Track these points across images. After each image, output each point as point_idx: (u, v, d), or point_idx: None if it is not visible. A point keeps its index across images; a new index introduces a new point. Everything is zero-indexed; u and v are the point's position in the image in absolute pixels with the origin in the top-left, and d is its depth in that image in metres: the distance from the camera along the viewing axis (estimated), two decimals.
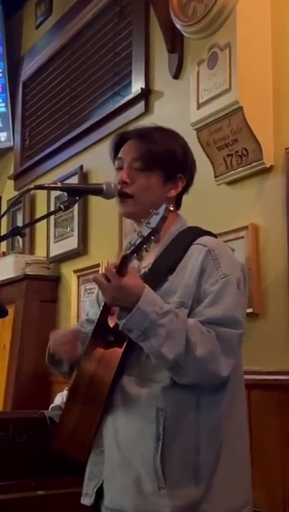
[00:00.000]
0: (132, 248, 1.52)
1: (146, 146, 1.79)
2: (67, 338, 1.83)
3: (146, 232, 1.50)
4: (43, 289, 4.14)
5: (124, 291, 1.55)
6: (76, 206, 3.82)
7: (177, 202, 1.87)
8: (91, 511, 1.77)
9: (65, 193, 1.85)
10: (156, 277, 1.72)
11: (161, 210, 1.50)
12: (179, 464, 1.62)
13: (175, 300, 1.66)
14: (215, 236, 1.84)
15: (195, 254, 1.71)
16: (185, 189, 1.87)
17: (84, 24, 4.09)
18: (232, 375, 1.64)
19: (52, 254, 4.18)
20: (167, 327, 1.55)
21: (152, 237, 1.51)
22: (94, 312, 1.97)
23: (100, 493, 1.72)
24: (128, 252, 1.53)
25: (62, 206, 1.83)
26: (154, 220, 1.50)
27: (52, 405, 3.15)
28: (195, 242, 1.74)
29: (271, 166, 2.46)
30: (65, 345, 1.81)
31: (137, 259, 1.58)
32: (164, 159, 1.79)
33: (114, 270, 1.56)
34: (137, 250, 1.52)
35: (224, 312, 1.62)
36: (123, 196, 1.79)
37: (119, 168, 1.83)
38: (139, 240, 1.51)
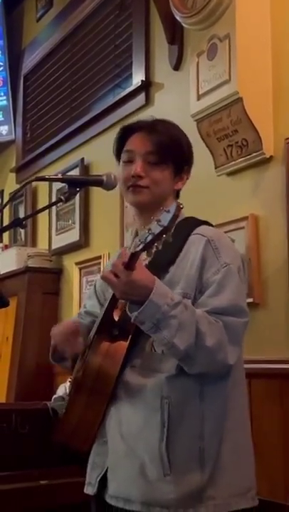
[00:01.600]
0: (142, 246, 1.52)
1: (158, 138, 1.79)
2: (69, 329, 1.83)
3: (157, 230, 1.50)
4: (45, 282, 4.15)
5: (134, 286, 1.56)
6: (77, 199, 3.85)
7: (176, 194, 1.88)
8: (94, 500, 1.78)
9: (66, 185, 1.86)
10: (158, 269, 1.72)
11: (172, 209, 1.50)
12: (184, 451, 1.64)
13: (178, 291, 1.67)
14: (212, 225, 1.85)
15: (195, 245, 1.72)
16: None
17: (84, 17, 4.09)
18: (234, 363, 1.66)
19: (54, 246, 4.19)
20: (179, 318, 1.57)
21: (164, 236, 1.51)
22: (91, 304, 1.99)
23: (103, 483, 1.74)
24: (138, 249, 1.52)
25: (63, 197, 1.84)
26: (166, 219, 1.49)
27: (54, 396, 3.17)
28: (194, 233, 1.76)
29: (271, 157, 2.47)
30: (66, 336, 1.82)
31: (147, 256, 1.59)
32: (175, 152, 1.80)
33: (122, 266, 1.56)
34: (147, 248, 1.52)
35: (229, 301, 1.64)
36: (138, 188, 1.79)
37: (129, 161, 1.82)
38: (150, 237, 1.50)
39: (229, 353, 1.61)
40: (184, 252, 1.73)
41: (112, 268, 1.59)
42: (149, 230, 1.51)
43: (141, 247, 1.52)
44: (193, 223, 1.80)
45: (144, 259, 1.80)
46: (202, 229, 1.77)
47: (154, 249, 1.53)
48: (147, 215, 1.77)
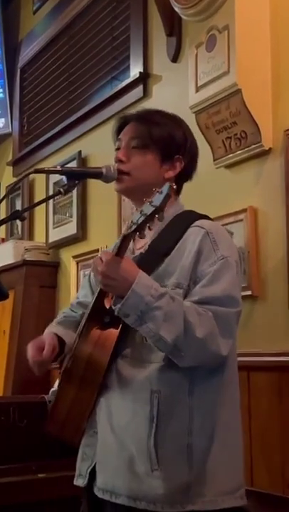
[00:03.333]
0: (134, 227, 1.51)
1: (145, 126, 1.81)
2: (40, 347, 1.81)
3: (149, 210, 1.50)
4: (42, 275, 4.14)
5: (117, 271, 1.55)
6: (75, 192, 3.83)
7: (178, 188, 1.87)
8: (84, 492, 1.77)
9: (65, 177, 1.85)
10: (153, 259, 1.72)
11: (165, 189, 1.50)
12: (172, 446, 1.63)
13: (172, 281, 1.66)
14: (211, 220, 1.84)
15: (192, 237, 1.71)
16: (184, 174, 1.87)
17: (81, 9, 4.06)
18: (227, 356, 1.65)
19: (51, 239, 4.18)
20: (164, 309, 1.55)
21: (156, 216, 1.50)
22: (84, 294, 1.98)
23: (93, 474, 1.73)
24: (130, 230, 1.52)
25: (61, 190, 1.83)
26: (158, 199, 1.49)
27: (52, 389, 3.15)
28: (192, 225, 1.75)
29: (270, 149, 2.46)
30: (37, 357, 1.80)
31: (140, 238, 1.58)
32: (162, 139, 1.80)
33: (111, 253, 1.56)
34: (140, 229, 1.51)
35: (222, 291, 1.63)
36: (119, 174, 1.79)
37: (118, 149, 1.84)
38: (142, 218, 1.50)
39: (221, 343, 1.60)
40: (181, 244, 1.72)
41: (101, 254, 1.60)
42: (142, 211, 1.51)
43: (133, 228, 1.51)
44: (192, 216, 1.80)
45: (139, 248, 1.80)
46: (201, 222, 1.76)
47: (146, 230, 1.52)
48: (140, 201, 1.74)
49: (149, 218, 1.50)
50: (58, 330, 1.88)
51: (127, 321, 1.58)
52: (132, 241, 1.62)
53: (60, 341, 1.84)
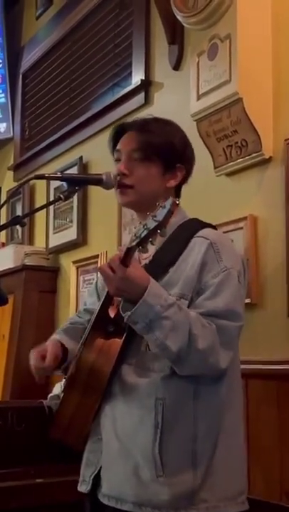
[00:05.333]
0: (137, 241, 1.51)
1: (145, 137, 1.79)
2: (43, 353, 1.82)
3: (152, 225, 1.49)
4: (42, 280, 4.14)
5: (128, 283, 1.56)
6: (75, 197, 3.84)
7: (177, 192, 1.88)
8: (87, 498, 1.78)
9: (65, 183, 1.86)
10: (157, 269, 1.72)
11: (168, 204, 1.49)
12: (177, 453, 1.63)
13: (175, 292, 1.67)
14: (215, 228, 1.85)
15: (196, 247, 1.72)
16: (184, 180, 1.87)
17: (84, 15, 4.08)
18: (229, 366, 1.66)
19: (51, 245, 4.19)
20: (172, 319, 1.56)
21: (159, 231, 1.50)
22: (92, 301, 1.99)
23: (96, 481, 1.74)
24: (133, 244, 1.52)
25: (62, 196, 1.84)
26: (161, 214, 1.49)
27: (50, 394, 3.16)
28: (196, 235, 1.75)
29: (270, 157, 2.47)
30: (39, 362, 1.81)
31: (141, 252, 1.58)
32: (163, 149, 1.79)
33: (119, 261, 1.56)
34: (142, 243, 1.52)
35: (224, 305, 1.63)
36: (123, 187, 1.79)
37: (118, 160, 1.83)
38: (145, 232, 1.50)
39: (221, 356, 1.61)
40: (185, 254, 1.72)
41: (109, 261, 1.59)
42: (145, 225, 1.51)
43: (136, 242, 1.52)
44: (196, 225, 1.80)
45: (144, 258, 1.80)
46: (205, 232, 1.76)
47: (148, 245, 1.53)
48: (143, 212, 1.74)
49: (152, 233, 1.50)
50: (63, 337, 1.90)
51: (135, 328, 1.59)
52: (143, 251, 1.62)
53: (64, 349, 1.86)
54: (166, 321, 1.55)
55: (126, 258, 1.55)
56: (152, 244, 1.53)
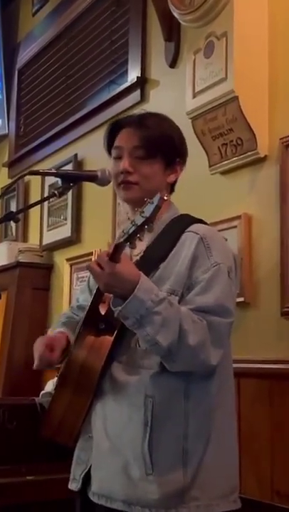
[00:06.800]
0: (125, 236, 1.51)
1: (146, 133, 1.78)
2: (50, 342, 1.81)
3: (139, 221, 1.50)
4: (35, 277, 4.13)
5: (118, 278, 1.55)
6: (70, 194, 3.83)
7: (171, 188, 1.88)
8: (78, 496, 1.78)
9: (60, 180, 1.85)
10: (148, 265, 1.72)
11: (156, 200, 1.49)
12: (167, 451, 1.63)
13: (166, 287, 1.66)
14: (207, 224, 1.84)
15: (187, 242, 1.71)
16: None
17: (81, 11, 4.07)
18: (221, 363, 1.66)
19: (45, 242, 4.18)
20: (163, 315, 1.55)
21: (146, 226, 1.50)
22: (84, 298, 1.98)
23: (87, 479, 1.73)
24: (121, 240, 1.52)
25: (56, 192, 1.83)
26: (148, 210, 1.49)
27: (42, 392, 3.15)
28: (187, 230, 1.74)
29: (265, 156, 2.47)
30: (45, 350, 1.80)
31: (130, 248, 1.58)
32: (164, 146, 1.79)
33: (107, 258, 1.56)
34: (130, 239, 1.51)
35: (215, 301, 1.63)
36: (128, 184, 1.78)
37: (118, 157, 1.81)
38: (133, 228, 1.50)
39: (212, 353, 1.60)
40: (176, 249, 1.72)
41: (97, 258, 1.59)
42: (133, 221, 1.51)
43: (124, 238, 1.51)
44: (187, 221, 1.79)
45: (136, 254, 1.80)
46: (196, 226, 1.76)
47: (137, 241, 1.52)
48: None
49: (139, 229, 1.50)
50: (67, 331, 1.89)
51: (126, 323, 1.59)
52: (131, 247, 1.61)
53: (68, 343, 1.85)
54: (157, 317, 1.55)
55: (114, 254, 1.55)
56: (140, 240, 1.52)
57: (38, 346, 1.81)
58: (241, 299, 2.44)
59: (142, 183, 1.78)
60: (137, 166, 1.78)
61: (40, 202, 2.05)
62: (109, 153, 1.86)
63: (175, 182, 1.87)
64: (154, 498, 1.60)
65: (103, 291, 1.67)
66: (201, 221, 1.81)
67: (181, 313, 1.58)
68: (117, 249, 1.54)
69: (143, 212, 1.49)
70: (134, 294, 1.54)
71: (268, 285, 2.41)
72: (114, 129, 1.86)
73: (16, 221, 1.95)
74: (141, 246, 1.75)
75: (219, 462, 1.68)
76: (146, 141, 1.77)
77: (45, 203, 4.13)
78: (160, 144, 1.78)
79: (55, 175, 1.94)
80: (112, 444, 1.67)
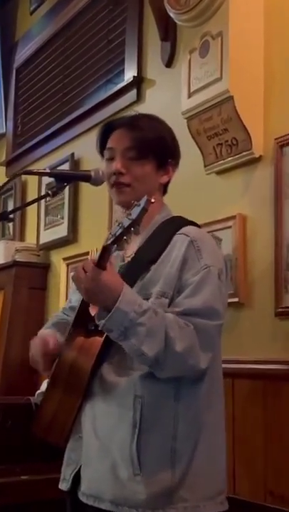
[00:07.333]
0: (112, 239, 1.52)
1: (137, 134, 1.79)
2: (44, 344, 1.82)
3: (126, 223, 1.50)
4: (32, 276, 4.12)
5: (100, 286, 1.54)
6: (67, 194, 3.83)
7: (164, 189, 1.88)
8: (68, 496, 1.78)
9: (54, 179, 1.85)
10: (139, 267, 1.72)
11: (143, 202, 1.50)
12: (156, 451, 1.63)
13: (156, 290, 1.66)
14: (198, 226, 1.84)
15: (178, 244, 1.71)
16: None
17: (78, 11, 4.06)
18: (210, 365, 1.66)
19: (42, 241, 4.17)
20: (147, 325, 1.55)
21: (132, 229, 1.50)
22: (76, 299, 1.97)
23: (77, 479, 1.73)
24: (108, 242, 1.52)
25: (50, 192, 1.83)
26: (135, 212, 1.50)
27: (38, 391, 3.15)
28: (178, 232, 1.75)
29: (260, 156, 2.46)
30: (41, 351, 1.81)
31: (118, 250, 1.58)
32: (156, 146, 1.79)
33: (93, 264, 1.55)
34: (117, 241, 1.52)
35: (203, 303, 1.63)
36: (120, 186, 1.78)
37: (111, 159, 1.82)
38: (120, 230, 1.51)
39: (201, 357, 1.60)
40: (167, 252, 1.72)
41: (84, 264, 1.58)
42: (120, 223, 1.51)
43: (111, 240, 1.52)
44: (179, 223, 1.79)
45: (128, 256, 1.79)
46: (187, 229, 1.76)
47: (124, 243, 1.52)
48: None
49: (126, 231, 1.50)
50: (56, 332, 1.89)
51: (111, 336, 1.59)
52: (119, 249, 1.61)
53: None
54: (141, 328, 1.54)
55: (101, 257, 1.55)
56: (127, 242, 1.53)
57: (36, 346, 1.83)
58: (235, 300, 2.43)
59: (135, 185, 1.78)
60: (129, 167, 1.78)
61: (34, 202, 2.05)
62: (102, 155, 1.86)
63: (168, 183, 1.87)
64: (142, 498, 1.60)
65: (85, 299, 1.65)
66: (192, 223, 1.82)
67: (167, 320, 1.58)
68: (105, 251, 1.54)
69: (130, 214, 1.50)
70: (116, 306, 1.54)
71: (262, 285, 2.40)
72: (107, 130, 1.86)
73: (10, 221, 1.96)
74: (132, 247, 1.75)
75: (208, 463, 1.68)
76: (138, 142, 1.77)
77: (42, 203, 4.13)
78: (152, 145, 1.78)
79: (49, 175, 1.94)
80: (101, 445, 1.67)
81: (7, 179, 4.76)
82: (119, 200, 1.81)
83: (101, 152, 1.87)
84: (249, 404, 2.34)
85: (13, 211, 2.14)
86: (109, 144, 1.84)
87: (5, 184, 3.93)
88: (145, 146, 1.78)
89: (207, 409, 1.69)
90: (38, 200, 2.12)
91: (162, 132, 1.84)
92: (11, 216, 1.96)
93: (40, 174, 2.06)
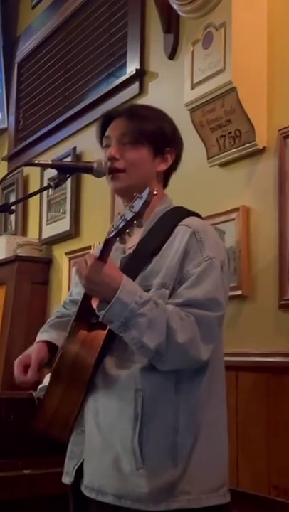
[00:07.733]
0: (115, 232, 1.50)
1: (134, 121, 1.79)
2: (26, 362, 1.83)
3: (129, 216, 1.48)
4: (34, 271, 4.12)
5: (101, 276, 1.54)
6: (69, 188, 3.82)
7: (165, 180, 1.87)
8: (71, 490, 1.78)
9: (56, 171, 1.84)
10: (141, 258, 1.71)
11: (145, 195, 1.48)
12: (157, 445, 1.62)
13: (157, 281, 1.65)
14: (200, 217, 1.83)
15: (179, 236, 1.70)
16: (173, 167, 1.86)
17: (80, 4, 4.05)
18: (212, 356, 1.64)
19: (44, 236, 4.17)
20: (148, 316, 1.54)
21: (135, 222, 1.49)
22: (77, 292, 1.97)
23: (80, 473, 1.73)
24: (111, 235, 1.51)
25: (51, 183, 1.82)
26: (137, 205, 1.48)
27: (40, 386, 3.14)
28: (180, 223, 1.73)
29: (264, 148, 2.45)
30: (22, 370, 1.83)
31: (120, 243, 1.57)
32: (153, 133, 1.79)
33: (94, 257, 1.55)
34: (120, 234, 1.50)
35: (205, 294, 1.61)
36: (114, 172, 1.77)
37: (107, 146, 1.82)
38: (122, 223, 1.49)
39: (202, 348, 1.59)
40: (169, 243, 1.71)
41: (86, 256, 1.59)
42: (122, 216, 1.50)
43: (114, 233, 1.50)
44: (181, 214, 1.78)
45: (129, 247, 1.78)
46: (189, 220, 1.74)
47: (126, 236, 1.51)
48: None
49: (129, 224, 1.48)
50: (50, 335, 1.90)
51: (111, 327, 1.58)
52: (121, 242, 1.60)
53: (51, 346, 1.86)
54: (142, 319, 1.53)
55: (104, 250, 1.54)
56: (129, 235, 1.51)
57: (15, 371, 1.84)
58: (239, 292, 2.42)
59: (129, 170, 1.77)
60: (124, 152, 1.78)
61: (36, 193, 2.04)
62: (101, 144, 1.86)
63: (167, 172, 1.85)
64: (145, 491, 1.59)
65: (86, 292, 1.65)
66: (195, 214, 1.80)
67: (168, 312, 1.57)
68: (107, 244, 1.53)
69: (132, 207, 1.48)
70: (116, 296, 1.53)
71: (265, 278, 2.39)
72: (106, 120, 1.86)
73: (11, 213, 1.95)
74: (134, 239, 1.73)
75: (209, 455, 1.67)
76: (133, 128, 1.77)
77: (45, 197, 4.13)
78: (147, 131, 1.78)
79: (51, 166, 1.92)
80: (103, 438, 1.66)
81: (11, 174, 4.76)
82: (114, 187, 1.80)
83: (100, 142, 1.87)
84: (253, 397, 2.33)
85: (14, 203, 2.13)
86: (106, 133, 1.84)
87: (6, 176, 3.92)
88: (140, 131, 1.77)
89: (208, 401, 1.68)
90: (40, 191, 2.11)
91: (161, 121, 1.83)
92: (13, 208, 1.95)
93: (43, 166, 2.05)
